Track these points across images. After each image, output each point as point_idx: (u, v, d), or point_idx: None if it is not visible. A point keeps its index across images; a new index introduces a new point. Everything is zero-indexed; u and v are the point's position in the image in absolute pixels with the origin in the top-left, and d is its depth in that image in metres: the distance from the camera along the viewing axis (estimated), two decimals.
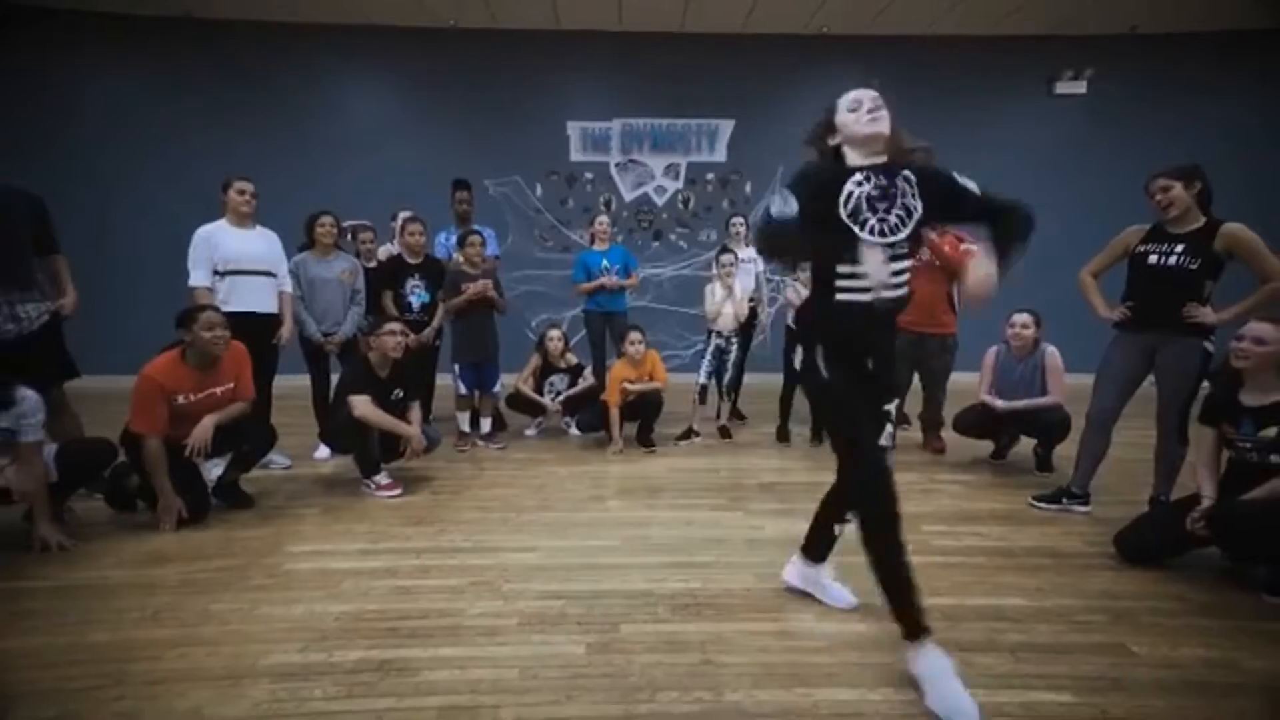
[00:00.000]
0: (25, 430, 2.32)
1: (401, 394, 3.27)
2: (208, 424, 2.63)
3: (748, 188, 6.84)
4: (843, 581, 2.12)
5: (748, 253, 4.62)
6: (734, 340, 4.27)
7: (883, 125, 1.67)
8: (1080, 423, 2.99)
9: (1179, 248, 2.60)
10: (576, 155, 6.79)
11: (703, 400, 4.31)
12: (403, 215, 4.29)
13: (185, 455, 2.57)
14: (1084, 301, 2.97)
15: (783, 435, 4.27)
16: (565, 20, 6.36)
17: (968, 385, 3.94)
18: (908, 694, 1.60)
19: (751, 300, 4.48)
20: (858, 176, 1.67)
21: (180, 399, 2.62)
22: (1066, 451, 3.33)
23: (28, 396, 2.34)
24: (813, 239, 1.64)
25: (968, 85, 6.60)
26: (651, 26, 6.46)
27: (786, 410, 4.33)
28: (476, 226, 4.45)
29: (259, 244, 3.49)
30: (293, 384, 3.86)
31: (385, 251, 4.51)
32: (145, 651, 1.75)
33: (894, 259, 1.66)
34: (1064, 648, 1.81)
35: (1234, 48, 6.34)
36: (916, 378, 4.11)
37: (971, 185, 1.76)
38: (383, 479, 3.12)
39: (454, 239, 4.44)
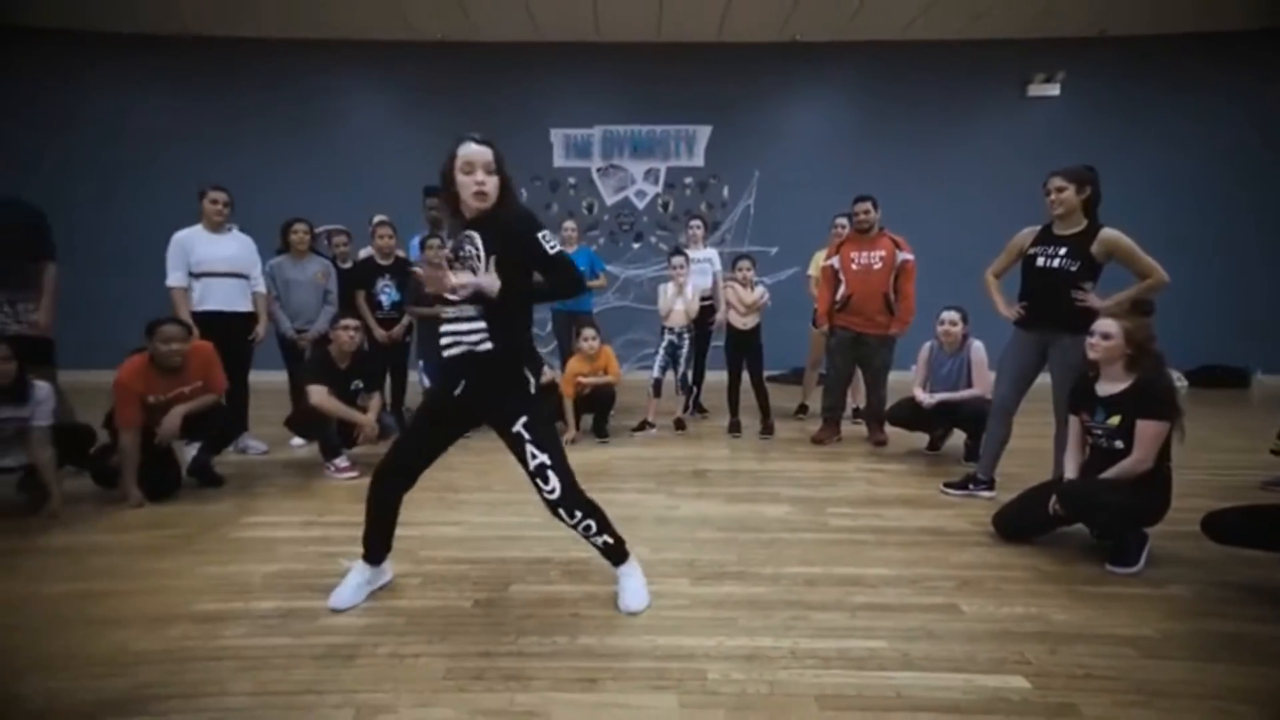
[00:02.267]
0: (39, 416, 2.68)
1: (361, 385, 3.56)
2: (175, 415, 2.95)
3: (725, 191, 7.05)
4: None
5: (703, 253, 4.84)
6: (685, 336, 4.48)
7: (487, 201, 1.77)
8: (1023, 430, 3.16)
9: (1062, 250, 2.77)
10: (559, 161, 7.07)
11: (657, 393, 4.53)
12: (376, 219, 4.59)
13: (154, 443, 2.89)
14: (986, 294, 3.15)
15: (734, 428, 4.47)
16: (545, 32, 6.64)
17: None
18: (738, 640, 1.81)
19: (708, 299, 4.69)
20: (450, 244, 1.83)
21: (150, 399, 2.93)
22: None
23: (42, 388, 2.71)
24: None
25: (941, 89, 6.74)
26: (628, 37, 6.71)
27: (734, 403, 4.53)
28: (444, 232, 4.73)
29: (231, 248, 3.80)
30: (271, 378, 4.19)
31: (364, 254, 4.81)
32: (92, 599, 2.03)
33: (461, 318, 1.80)
34: (901, 608, 2.01)
35: (1204, 49, 6.39)
36: (860, 374, 4.30)
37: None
38: (342, 462, 3.40)
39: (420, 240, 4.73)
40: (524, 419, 1.86)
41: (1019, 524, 2.51)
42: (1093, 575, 2.22)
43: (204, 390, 3.12)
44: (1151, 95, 6.46)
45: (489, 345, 1.81)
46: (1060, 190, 2.72)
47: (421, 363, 4.26)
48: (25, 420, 2.66)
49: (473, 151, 1.76)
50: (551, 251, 1.79)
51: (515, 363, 1.86)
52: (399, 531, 2.63)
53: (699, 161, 7.04)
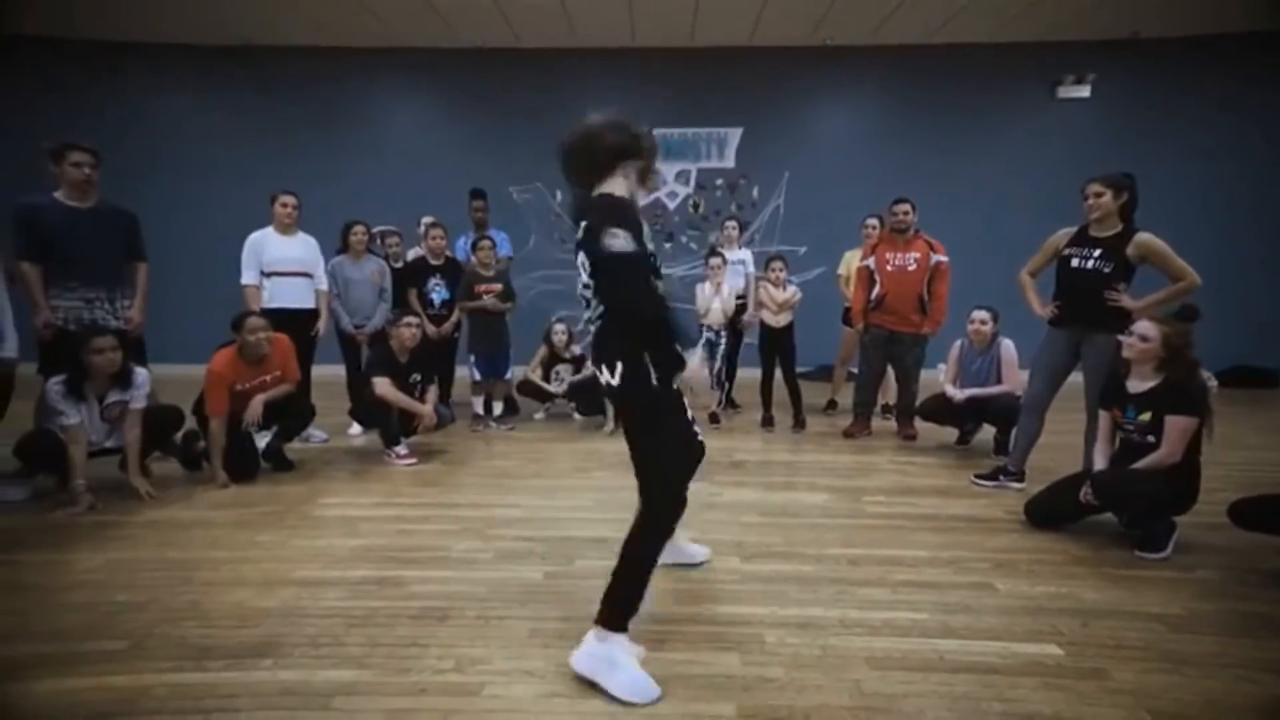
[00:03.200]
0: (136, 399, 2.93)
1: (419, 377, 3.78)
2: (257, 403, 3.20)
3: (755, 191, 7.19)
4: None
5: (738, 254, 5.00)
6: (722, 334, 4.65)
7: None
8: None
9: (1097, 252, 2.89)
10: None
11: None
12: (425, 221, 4.82)
13: (241, 428, 3.14)
14: (1020, 293, 3.27)
15: (766, 422, 4.63)
16: (582, 38, 6.84)
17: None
18: (790, 610, 1.98)
19: (741, 299, 4.85)
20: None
21: (239, 386, 3.19)
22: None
23: (141, 373, 2.97)
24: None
25: (970, 92, 6.81)
26: (662, 42, 6.89)
27: (767, 399, 4.69)
28: (491, 231, 4.96)
29: (298, 249, 4.06)
30: (331, 372, 4.44)
31: (413, 254, 5.06)
32: (206, 565, 2.27)
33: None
34: (939, 585, 2.16)
35: (1237, 51, 6.38)
36: (891, 370, 4.44)
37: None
38: (401, 450, 3.63)
39: (471, 242, 4.96)
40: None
41: (1050, 512, 2.65)
42: (1122, 559, 2.35)
43: (281, 380, 3.37)
44: (1184, 97, 6.47)
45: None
46: (1098, 195, 2.84)
47: (472, 357, 4.48)
48: (128, 404, 2.92)
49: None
50: None
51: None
52: (463, 513, 2.87)
53: (730, 163, 7.19)
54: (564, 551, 2.44)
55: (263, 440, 3.47)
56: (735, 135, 7.16)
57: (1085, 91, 6.50)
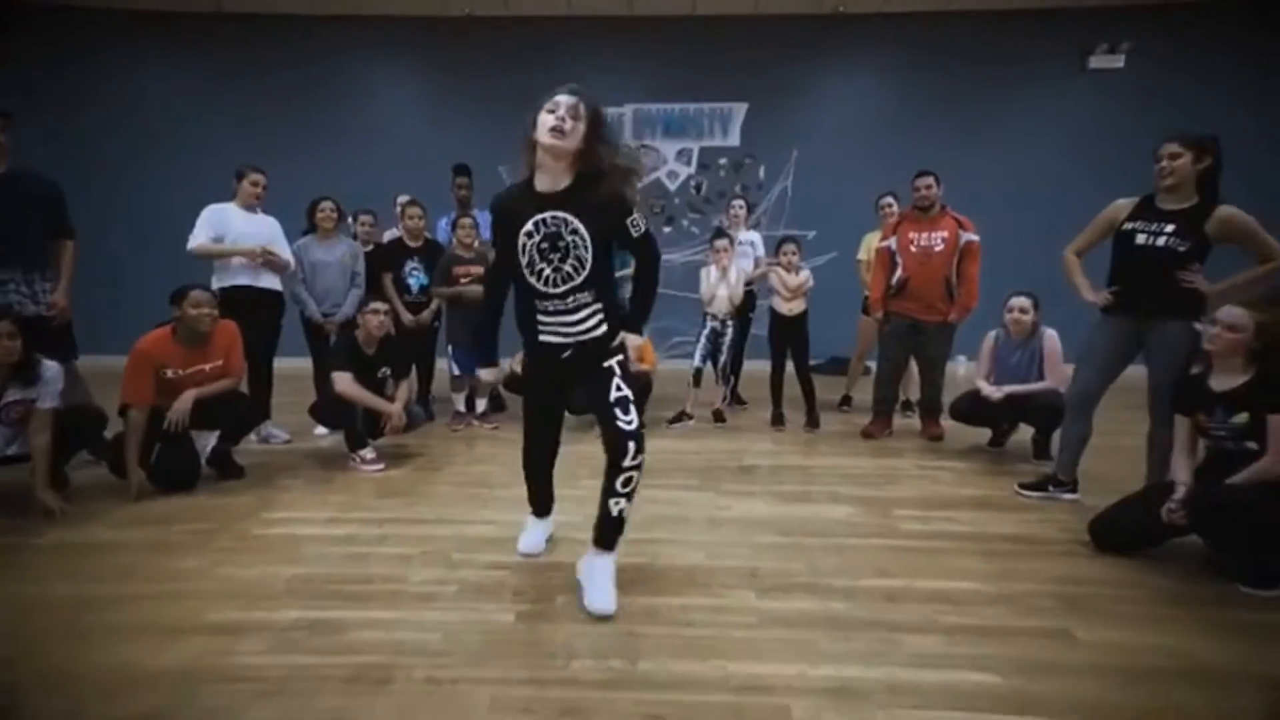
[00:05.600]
0: (44, 398, 2.51)
1: (388, 371, 3.36)
2: (188, 398, 2.77)
3: (761, 172, 6.74)
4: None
5: (746, 235, 4.57)
6: (729, 323, 4.22)
7: (562, 141, 1.66)
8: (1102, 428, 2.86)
9: (1169, 227, 2.46)
10: None
11: (696, 383, 4.28)
12: (401, 200, 4.39)
13: (164, 428, 2.71)
14: (1065, 276, 2.85)
15: (777, 420, 4.22)
16: (577, 6, 6.37)
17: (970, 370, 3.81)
18: (822, 669, 1.57)
19: (750, 284, 4.42)
20: (529, 226, 1.76)
21: (169, 373, 2.76)
22: None
23: (50, 368, 2.54)
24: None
25: (993, 63, 6.35)
26: (663, 10, 6.42)
27: (778, 394, 4.27)
28: (475, 211, 4.52)
29: (261, 227, 3.64)
30: (296, 364, 4.01)
31: (390, 235, 4.63)
32: (104, 604, 1.86)
33: (576, 309, 1.82)
34: (1004, 632, 1.75)
35: None
36: (914, 363, 4.02)
37: (638, 231, 1.83)
38: (367, 454, 3.22)
39: (452, 222, 4.52)
40: (619, 358, 1.90)
41: (1122, 533, 2.23)
42: (1224, 597, 1.94)
43: (223, 372, 2.95)
44: (1229, 65, 5.98)
45: (603, 329, 1.85)
46: (1175, 157, 2.41)
47: (451, 348, 4.06)
48: (33, 403, 2.49)
49: (561, 95, 1.70)
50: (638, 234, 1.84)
51: (616, 325, 1.91)
52: (429, 530, 2.45)
53: (734, 141, 6.74)
54: (542, 584, 2.03)
55: (207, 442, 3.05)
56: (740, 111, 6.70)
57: (1119, 61, 6.03)
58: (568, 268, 1.78)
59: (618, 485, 1.84)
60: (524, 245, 1.78)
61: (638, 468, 1.83)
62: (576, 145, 1.70)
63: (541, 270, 1.79)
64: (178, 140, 6.61)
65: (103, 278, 6.05)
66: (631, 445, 1.80)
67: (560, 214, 1.75)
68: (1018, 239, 5.21)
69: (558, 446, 2.18)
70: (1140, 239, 2.51)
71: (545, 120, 1.67)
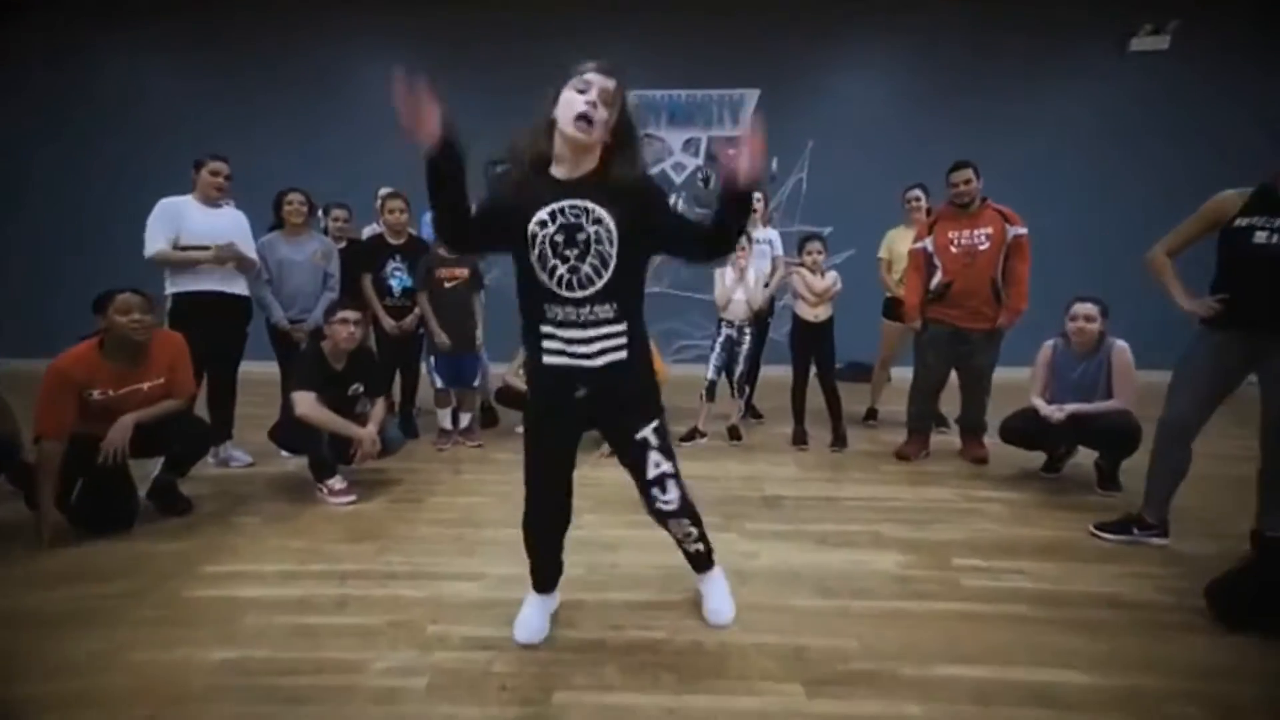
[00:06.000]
0: None
1: (361, 388, 2.94)
2: (126, 423, 2.34)
3: (774, 164, 6.30)
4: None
5: (764, 233, 4.14)
6: (747, 331, 3.80)
7: (590, 132, 1.38)
8: (1152, 432, 2.45)
9: None
10: None
11: (710, 397, 3.86)
12: (382, 192, 3.95)
13: (99, 461, 2.28)
14: (1155, 280, 2.43)
15: (799, 438, 3.80)
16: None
17: (1014, 381, 3.39)
18: None
19: (767, 286, 4.00)
20: (542, 215, 1.42)
21: (96, 394, 2.33)
22: (1135, 465, 2.79)
23: None
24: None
25: (1024, 45, 5.89)
26: None
27: (800, 410, 3.85)
28: None
29: (226, 223, 3.22)
30: (266, 369, 3.57)
31: (369, 231, 4.20)
32: None
33: (593, 324, 1.47)
34: None
35: None
36: (954, 376, 3.59)
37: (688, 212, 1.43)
38: (336, 483, 2.79)
39: None
40: (654, 424, 1.62)
41: (1254, 605, 1.81)
42: None
43: (166, 392, 2.52)
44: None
45: (623, 356, 1.52)
46: None
47: (432, 359, 3.63)
48: None
49: (594, 73, 1.40)
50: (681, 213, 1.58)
51: (648, 362, 1.62)
52: (401, 590, 2.03)
53: (745, 130, 6.28)
54: (536, 673, 1.61)
55: (149, 471, 2.63)
56: (751, 98, 6.25)
57: (1164, 43, 5.58)
58: (588, 268, 1.43)
59: (682, 539, 1.80)
60: (534, 237, 1.42)
61: (683, 532, 1.77)
62: (603, 137, 1.42)
63: (554, 268, 1.43)
64: (139, 129, 6.16)
65: (107, 277, 5.67)
66: (683, 522, 1.73)
67: (581, 202, 1.42)
68: (1055, 235, 4.79)
69: (570, 511, 1.74)
70: (1260, 237, 2.09)
71: (572, 101, 1.38)
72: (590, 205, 1.40)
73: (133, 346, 2.38)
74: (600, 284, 1.43)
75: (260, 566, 2.18)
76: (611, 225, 1.40)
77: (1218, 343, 2.24)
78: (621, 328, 1.48)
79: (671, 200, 1.49)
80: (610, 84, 1.39)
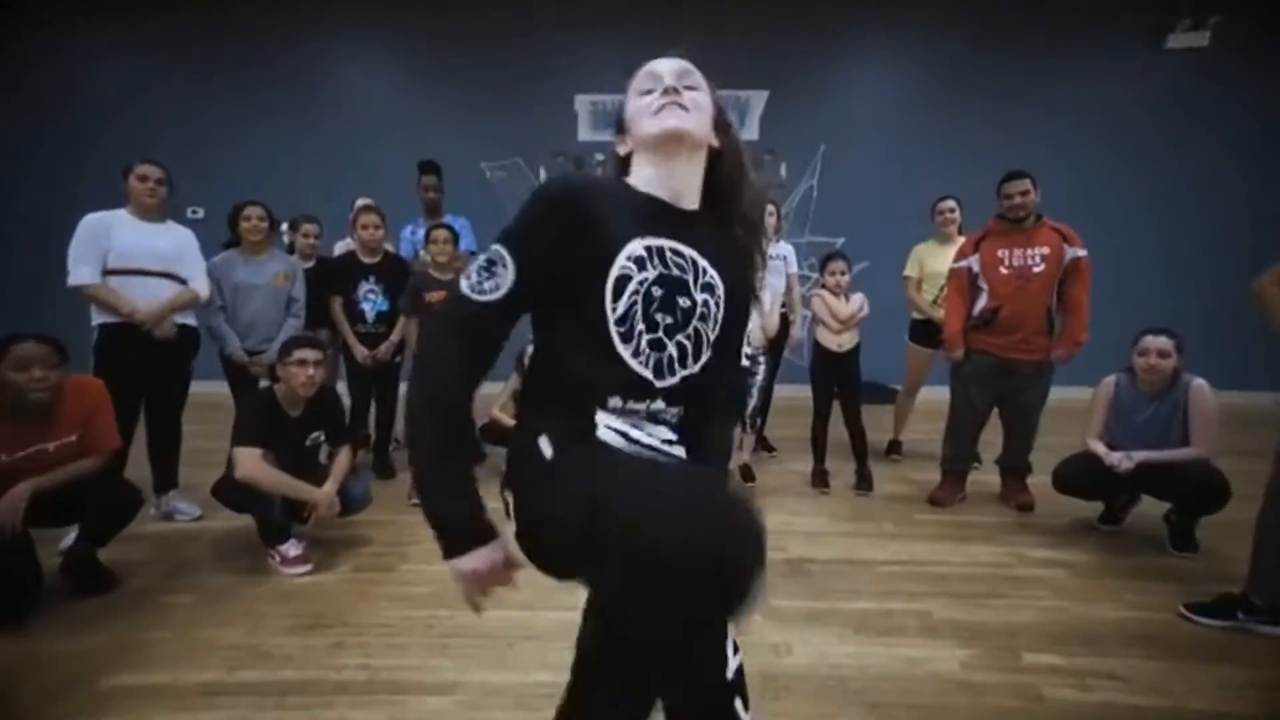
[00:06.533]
0: None
1: (321, 436, 2.54)
2: (17, 494, 1.92)
3: (783, 170, 5.92)
4: None
5: (779, 248, 3.75)
6: (761, 359, 3.41)
7: (687, 119, 0.94)
8: (1247, 490, 2.07)
9: None
10: (585, 134, 5.98)
11: None
12: (358, 204, 3.57)
13: None
14: (1263, 312, 2.05)
15: (819, 479, 3.40)
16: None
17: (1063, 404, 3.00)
18: None
19: (782, 308, 3.61)
20: (637, 249, 0.89)
21: None
22: (1218, 520, 2.42)
23: None
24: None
25: (1053, 42, 5.53)
26: None
27: (821, 449, 3.45)
28: (448, 218, 3.71)
29: (165, 241, 2.81)
30: (220, 393, 3.15)
31: (341, 247, 3.81)
32: None
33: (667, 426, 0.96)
34: None
35: None
36: (996, 411, 3.20)
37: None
38: (290, 550, 2.38)
39: (421, 233, 3.70)
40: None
41: None
42: None
43: (80, 450, 2.12)
44: None
45: None
46: None
47: None
48: None
49: (658, 64, 1.00)
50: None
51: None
52: (355, 714, 1.62)
53: (753, 134, 5.89)
54: None
55: (62, 544, 2.23)
56: (760, 100, 5.87)
57: (1203, 40, 5.20)
58: (686, 343, 0.94)
59: None
60: (622, 280, 0.88)
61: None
62: (707, 133, 0.99)
63: (643, 336, 0.90)
64: (96, 129, 5.71)
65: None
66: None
67: (689, 250, 0.94)
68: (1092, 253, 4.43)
69: None
70: None
71: (644, 105, 0.97)
72: (699, 257, 0.95)
73: (32, 405, 1.97)
74: (695, 368, 0.96)
75: (178, 676, 1.76)
76: (722, 296, 0.98)
77: None
78: (679, 435, 0.99)
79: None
80: (681, 64, 1.00)
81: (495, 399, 3.54)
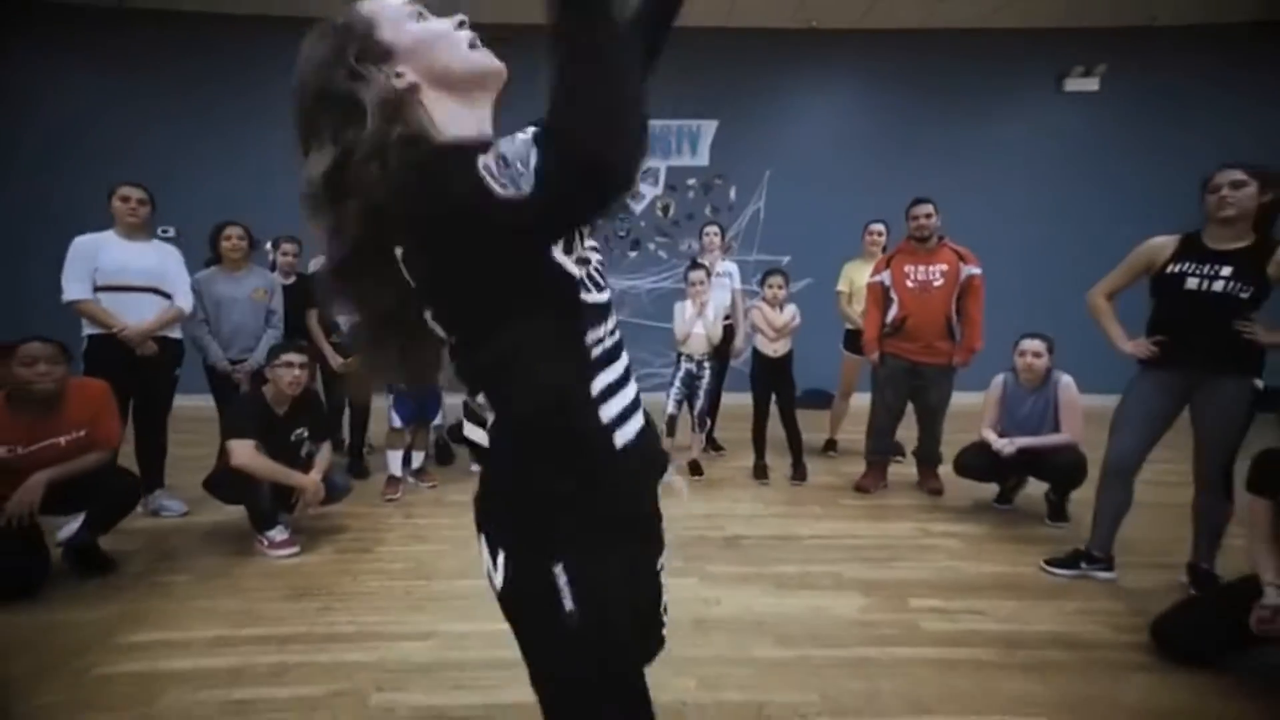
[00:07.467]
0: None
1: (305, 433, 2.81)
2: (36, 483, 2.16)
3: (732, 193, 6.38)
4: None
5: (724, 266, 4.17)
6: (706, 365, 3.78)
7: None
8: (1098, 467, 2.51)
9: (1225, 270, 2.13)
10: None
11: (671, 432, 3.84)
12: None
13: (2, 525, 2.10)
14: (1095, 323, 2.52)
15: (760, 472, 3.78)
16: (534, 13, 5.89)
17: (969, 406, 3.46)
18: None
19: (727, 319, 4.01)
20: None
21: (3, 451, 2.16)
22: (1083, 495, 2.86)
23: None
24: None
25: (968, 83, 6.13)
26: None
27: (761, 444, 3.84)
28: None
29: (150, 258, 3.05)
30: (198, 406, 3.38)
31: (317, 264, 4.06)
32: None
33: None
34: None
35: (1264, 40, 5.82)
36: (911, 407, 3.64)
37: None
38: (277, 535, 2.64)
39: None
40: None
41: (1197, 642, 1.85)
42: None
43: (87, 444, 2.35)
44: (1205, 90, 5.87)
45: None
46: (1238, 186, 2.08)
47: (391, 397, 3.50)
48: None
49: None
50: None
51: None
52: (345, 654, 1.91)
53: (703, 160, 6.36)
54: None
55: (64, 532, 2.44)
56: (710, 128, 6.33)
57: (1094, 84, 5.88)
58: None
59: None
60: None
61: None
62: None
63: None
64: (69, 151, 5.84)
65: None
66: None
67: None
68: (993, 268, 4.96)
69: None
70: (1191, 283, 2.17)
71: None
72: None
73: (43, 398, 2.21)
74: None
75: (188, 633, 2.03)
76: None
77: (1155, 382, 2.32)
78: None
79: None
80: None
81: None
